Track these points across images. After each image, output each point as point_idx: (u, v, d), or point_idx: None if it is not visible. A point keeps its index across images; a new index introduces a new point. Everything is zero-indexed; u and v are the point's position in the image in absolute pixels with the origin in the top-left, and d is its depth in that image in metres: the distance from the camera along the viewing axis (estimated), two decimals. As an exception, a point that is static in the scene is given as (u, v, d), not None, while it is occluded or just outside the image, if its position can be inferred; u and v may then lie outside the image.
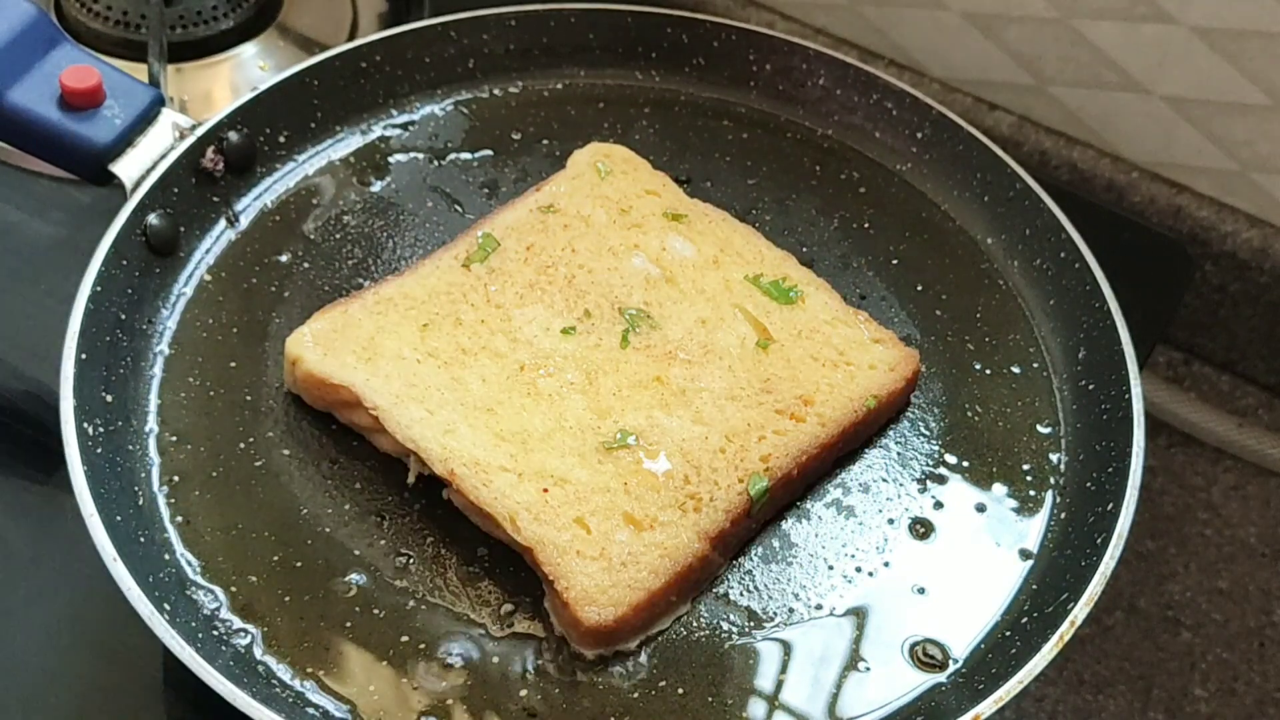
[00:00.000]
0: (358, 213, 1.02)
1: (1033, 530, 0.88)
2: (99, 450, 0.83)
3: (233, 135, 1.00)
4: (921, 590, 0.84)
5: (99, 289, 0.89)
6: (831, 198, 1.07)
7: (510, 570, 0.83)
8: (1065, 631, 0.79)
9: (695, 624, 0.82)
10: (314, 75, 1.05)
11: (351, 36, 1.27)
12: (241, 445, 0.87)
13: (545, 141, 1.09)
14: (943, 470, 0.90)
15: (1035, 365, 0.97)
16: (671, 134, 1.10)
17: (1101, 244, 0.99)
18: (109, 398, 0.87)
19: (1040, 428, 0.93)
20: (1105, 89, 1.23)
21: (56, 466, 0.93)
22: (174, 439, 0.87)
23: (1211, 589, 1.18)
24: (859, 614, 0.83)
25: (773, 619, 0.82)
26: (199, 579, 0.81)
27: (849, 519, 0.87)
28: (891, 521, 0.87)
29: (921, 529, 0.87)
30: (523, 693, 0.78)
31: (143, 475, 0.85)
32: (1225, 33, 1.14)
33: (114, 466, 0.84)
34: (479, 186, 1.05)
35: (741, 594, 0.84)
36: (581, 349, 0.90)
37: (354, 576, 0.82)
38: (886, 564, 0.85)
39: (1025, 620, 0.82)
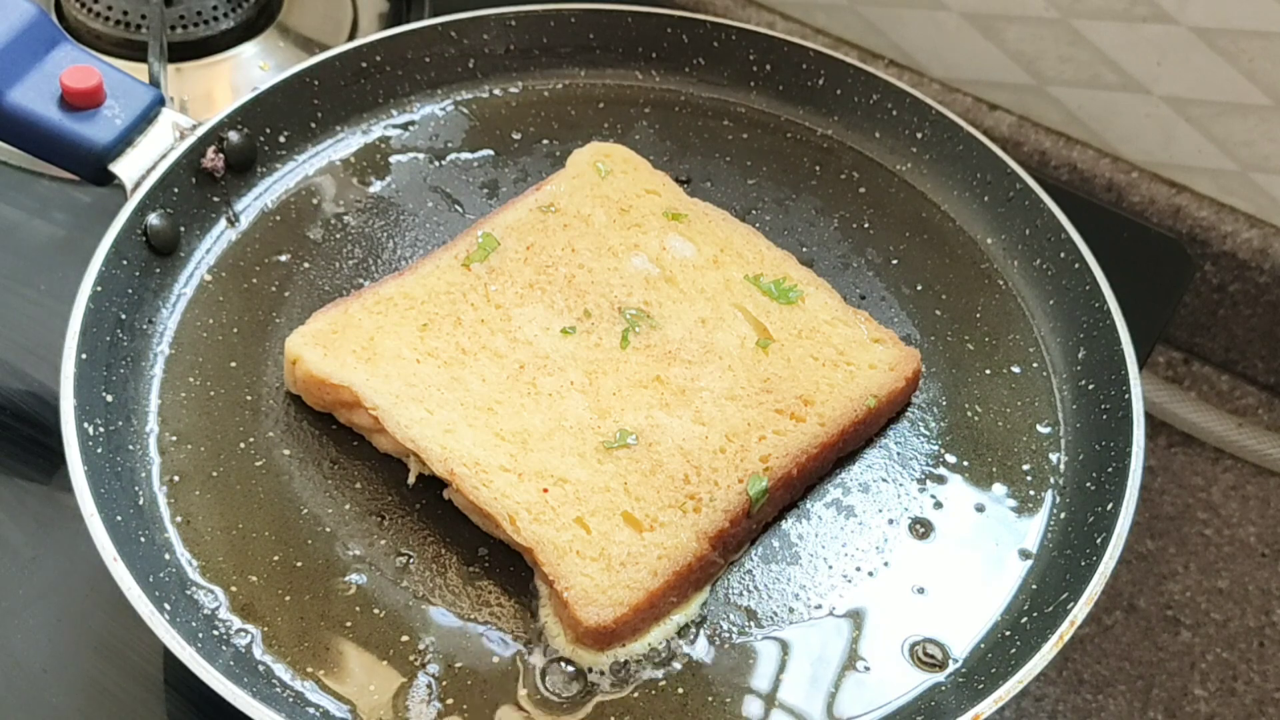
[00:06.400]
0: (358, 213, 1.02)
1: (1032, 530, 0.88)
2: (99, 450, 0.83)
3: (233, 135, 1.00)
4: (921, 590, 0.84)
5: (99, 289, 0.89)
6: (831, 198, 1.07)
7: (510, 570, 0.83)
8: (1065, 631, 0.79)
9: (694, 623, 0.82)
10: (314, 75, 1.05)
11: (351, 36, 1.27)
12: (241, 445, 0.87)
13: (545, 141, 1.09)
14: (942, 470, 0.90)
15: (1035, 365, 0.97)
16: (671, 134, 1.10)
17: (1101, 244, 0.99)
18: (109, 397, 0.87)
19: (1040, 428, 0.93)
20: (1105, 89, 1.23)
21: (56, 466, 0.94)
22: (174, 439, 0.87)
23: (1211, 589, 1.19)
24: (858, 614, 0.83)
25: (772, 619, 0.83)
26: (199, 579, 0.81)
27: (849, 519, 0.88)
28: (891, 521, 0.87)
29: (921, 529, 0.87)
30: (522, 692, 0.78)
31: (143, 475, 0.85)
32: (1225, 33, 1.14)
33: (114, 466, 0.84)
34: (479, 186, 1.05)
35: (741, 594, 0.84)
36: (581, 349, 0.90)
37: (354, 576, 0.82)
38: (886, 564, 0.85)
39: (1025, 620, 0.82)
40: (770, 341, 0.91)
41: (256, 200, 1.02)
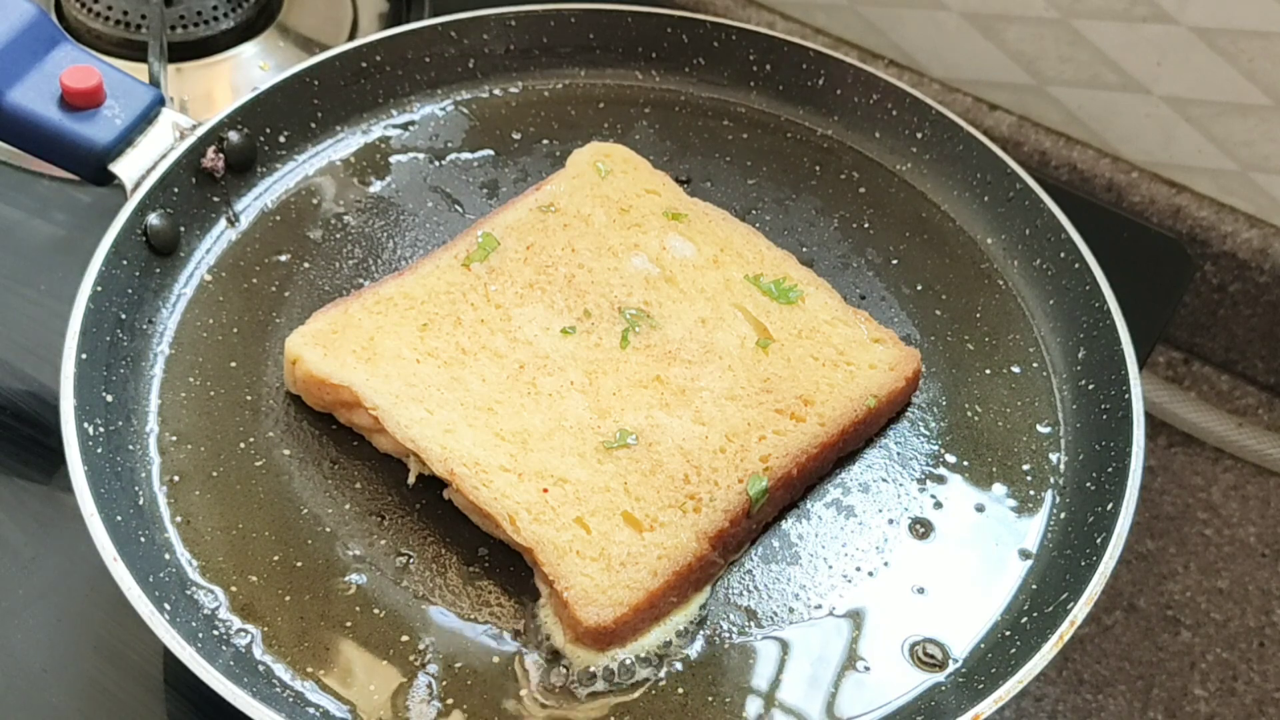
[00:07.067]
0: (358, 213, 1.02)
1: (1032, 530, 0.88)
2: (99, 450, 0.83)
3: (233, 135, 1.00)
4: (921, 590, 0.84)
5: (99, 289, 0.89)
6: (831, 198, 1.07)
7: (510, 570, 0.83)
8: (1065, 631, 0.79)
9: (694, 623, 0.82)
10: (314, 75, 1.05)
11: (351, 36, 1.27)
12: (241, 445, 0.87)
13: (545, 141, 1.09)
14: (942, 470, 0.90)
15: (1035, 365, 0.97)
16: (671, 134, 1.10)
17: (1101, 244, 0.99)
18: (109, 397, 0.87)
19: (1040, 428, 0.93)
20: (1105, 89, 1.23)
21: (56, 466, 0.94)
22: (174, 439, 0.87)
23: (1211, 589, 1.19)
24: (858, 614, 0.83)
25: (772, 618, 0.83)
26: (199, 579, 0.81)
27: (849, 519, 0.88)
28: (891, 521, 0.87)
29: (921, 529, 0.87)
30: (522, 692, 0.78)
31: (143, 475, 0.85)
32: (1225, 33, 1.14)
33: (114, 466, 0.84)
34: (479, 186, 1.05)
35: (741, 594, 0.84)
36: (581, 349, 0.90)
37: (354, 576, 0.82)
38: (886, 564, 0.85)
39: (1025, 620, 0.82)
40: (770, 341, 0.91)
41: (256, 200, 1.02)
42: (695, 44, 1.13)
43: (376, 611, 0.80)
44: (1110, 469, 0.88)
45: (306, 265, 0.98)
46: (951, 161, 1.07)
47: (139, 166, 0.96)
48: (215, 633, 0.79)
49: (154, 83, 1.11)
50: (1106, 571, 0.81)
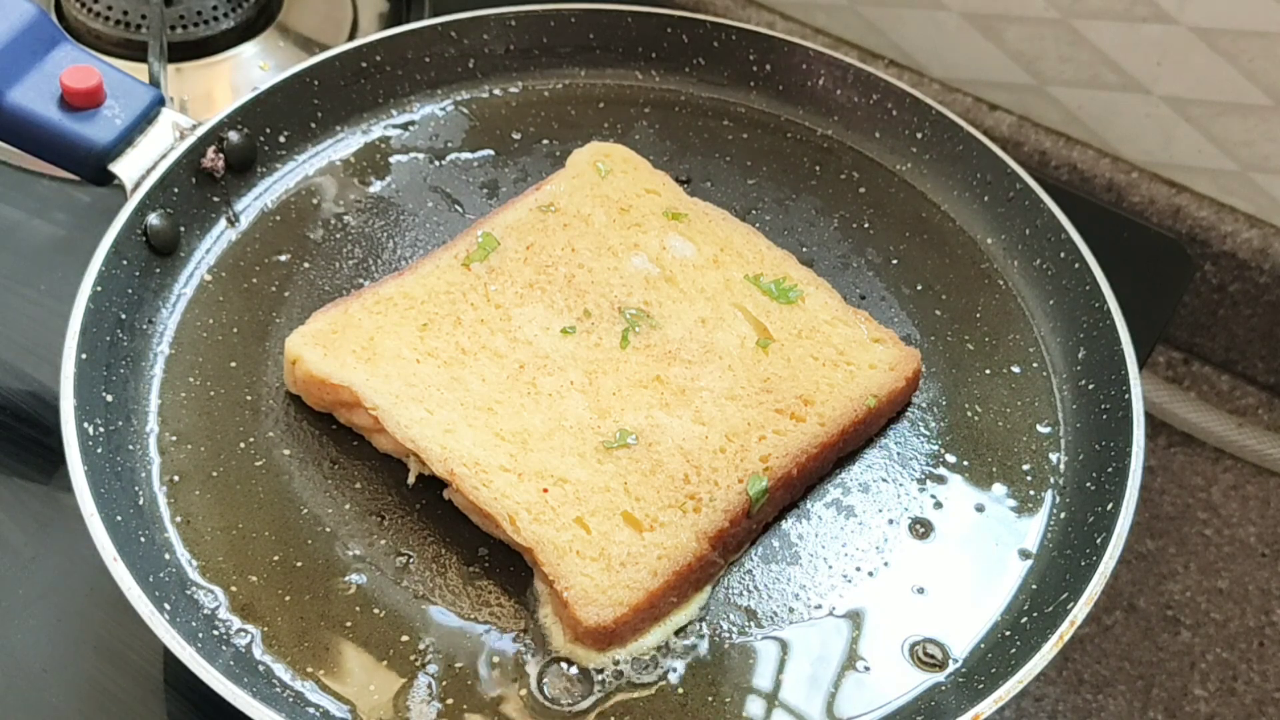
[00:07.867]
0: (358, 213, 1.02)
1: (1032, 530, 0.88)
2: (99, 450, 0.83)
3: (233, 135, 1.00)
4: (921, 590, 0.84)
5: (99, 289, 0.89)
6: (831, 198, 1.07)
7: (510, 570, 0.83)
8: (1065, 631, 0.79)
9: (694, 623, 0.82)
10: (314, 75, 1.05)
11: (351, 36, 1.27)
12: (241, 445, 0.87)
13: (545, 141, 1.09)
14: (942, 470, 0.90)
15: (1035, 365, 0.97)
16: (671, 134, 1.10)
17: (1101, 244, 0.99)
18: (109, 397, 0.87)
19: (1040, 428, 0.93)
20: (1105, 89, 1.23)
21: (56, 466, 0.94)
22: (174, 439, 0.87)
23: (1211, 589, 1.19)
24: (858, 614, 0.83)
25: (772, 619, 0.83)
26: (199, 579, 0.81)
27: (849, 519, 0.88)
28: (891, 521, 0.87)
29: (921, 529, 0.87)
30: (522, 692, 0.78)
31: (143, 475, 0.85)
32: (1225, 33, 1.14)
33: (114, 466, 0.84)
34: (479, 186, 1.05)
35: (741, 594, 0.84)
36: (581, 349, 0.90)
37: (354, 576, 0.82)
38: (886, 564, 0.85)
39: (1025, 620, 0.83)
40: (770, 341, 0.91)
41: (256, 200, 1.02)
42: (695, 44, 1.13)
43: (376, 611, 0.80)
44: (1110, 469, 0.88)
45: (306, 265, 0.98)
46: (951, 161, 1.07)
47: (139, 166, 0.96)
48: (215, 633, 0.79)
49: (154, 83, 1.11)
50: (1106, 571, 0.81)
